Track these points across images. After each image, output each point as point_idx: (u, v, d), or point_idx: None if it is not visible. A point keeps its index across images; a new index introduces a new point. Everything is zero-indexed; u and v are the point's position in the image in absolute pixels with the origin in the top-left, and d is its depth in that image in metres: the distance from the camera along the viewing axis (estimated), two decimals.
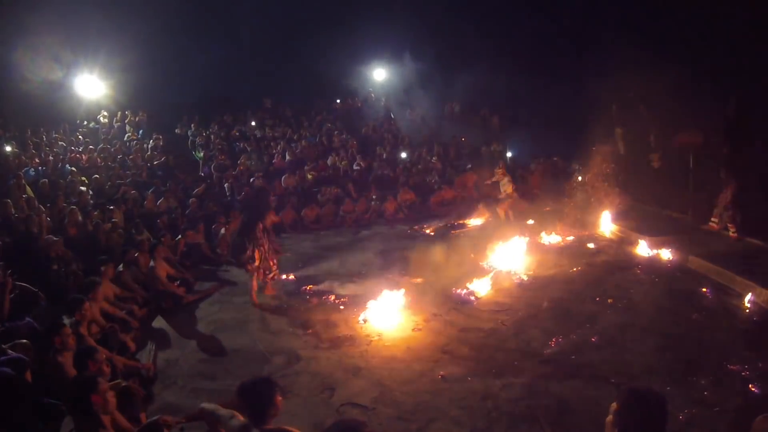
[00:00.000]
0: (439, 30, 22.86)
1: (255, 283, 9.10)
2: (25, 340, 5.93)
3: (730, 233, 11.13)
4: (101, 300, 7.69)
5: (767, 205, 11.04)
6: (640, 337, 6.94)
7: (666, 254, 10.47)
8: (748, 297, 8.01)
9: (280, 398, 3.51)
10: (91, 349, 5.32)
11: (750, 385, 5.67)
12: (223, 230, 12.57)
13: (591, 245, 11.81)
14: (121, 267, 9.15)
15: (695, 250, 10.28)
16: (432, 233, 13.94)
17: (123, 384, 5.29)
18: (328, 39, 24.76)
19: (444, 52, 23.14)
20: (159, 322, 8.50)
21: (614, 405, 2.60)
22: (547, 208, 15.74)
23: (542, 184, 17.30)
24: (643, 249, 11.02)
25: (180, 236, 11.78)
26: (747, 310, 7.77)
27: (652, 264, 10.22)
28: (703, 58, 13.60)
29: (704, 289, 8.66)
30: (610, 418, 2.58)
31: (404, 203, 16.15)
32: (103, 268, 8.38)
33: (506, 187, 14.78)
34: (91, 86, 22.63)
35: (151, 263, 9.46)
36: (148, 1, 22.19)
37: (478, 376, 6.10)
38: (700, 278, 9.26)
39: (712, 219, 11.76)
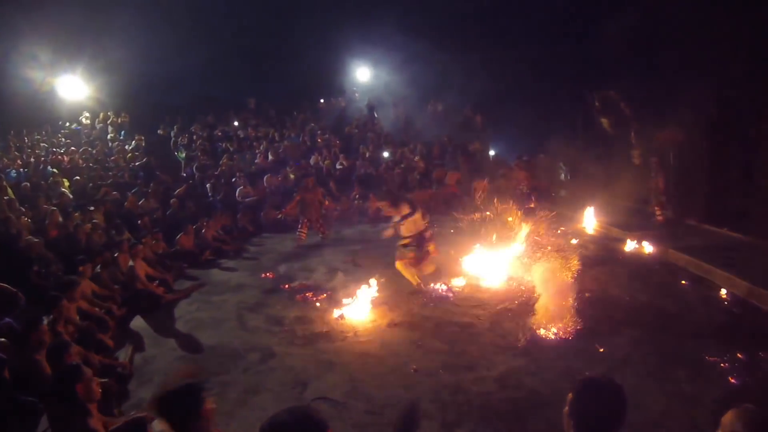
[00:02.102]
0: (422, 28, 22.84)
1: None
2: (2, 339, 5.93)
3: (657, 216, 12.36)
4: (79, 299, 7.70)
5: (747, 199, 11.19)
6: (616, 330, 6.99)
7: (646, 248, 10.59)
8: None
9: (209, 407, 3.12)
10: (64, 343, 5.32)
11: (729, 377, 5.72)
12: (203, 231, 12.56)
13: (573, 241, 11.86)
14: (99, 267, 9.13)
15: (674, 244, 10.41)
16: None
17: (98, 381, 5.29)
18: (312, 39, 24.76)
19: (428, 51, 23.14)
20: (137, 322, 8.48)
21: (570, 395, 2.53)
22: (531, 205, 15.85)
23: (526, 182, 17.38)
24: (622, 244, 11.13)
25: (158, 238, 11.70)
26: (725, 302, 7.86)
27: (632, 258, 10.35)
28: (683, 54, 13.66)
29: (683, 282, 8.74)
30: (566, 409, 2.51)
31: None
32: (81, 268, 8.41)
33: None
34: (73, 87, 22.52)
35: (130, 263, 9.45)
36: (130, 1, 22.11)
37: (450, 370, 6.15)
38: (678, 271, 9.39)
39: (654, 207, 12.75)
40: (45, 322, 5.98)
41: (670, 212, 12.64)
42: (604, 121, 16.12)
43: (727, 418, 2.75)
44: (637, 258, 10.38)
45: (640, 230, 11.68)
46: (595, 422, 2.41)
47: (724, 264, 9.05)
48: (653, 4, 13.76)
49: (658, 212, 12.63)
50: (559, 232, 12.50)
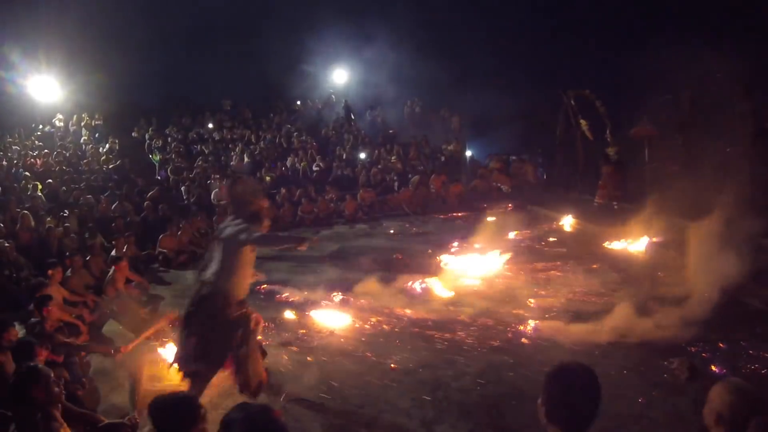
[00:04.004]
0: (399, 30, 22.85)
1: None
2: None
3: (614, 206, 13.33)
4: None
5: (723, 195, 11.28)
6: (597, 323, 6.96)
7: (623, 244, 10.64)
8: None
9: (202, 426, 2.95)
10: (30, 342, 5.17)
11: (711, 366, 5.72)
12: (180, 233, 12.40)
13: (551, 239, 11.93)
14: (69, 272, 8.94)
15: (652, 238, 10.49)
16: (392, 231, 13.97)
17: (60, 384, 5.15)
18: (288, 40, 24.65)
19: (405, 52, 23.14)
20: (111, 326, 8.31)
21: (543, 389, 2.46)
22: (509, 206, 15.92)
23: (502, 181, 17.46)
24: (598, 238, 11.19)
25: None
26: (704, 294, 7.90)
27: (610, 253, 10.38)
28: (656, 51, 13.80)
29: (659, 274, 8.78)
30: (539, 402, 2.45)
31: (364, 202, 16.12)
32: (50, 272, 8.22)
33: None
34: (46, 89, 22.15)
35: (111, 273, 9.18)
36: (103, 1, 21.81)
37: (429, 368, 6.10)
38: (656, 265, 9.42)
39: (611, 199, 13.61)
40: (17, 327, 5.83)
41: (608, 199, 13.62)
42: (583, 123, 16.23)
43: (715, 391, 2.82)
44: (615, 254, 10.42)
45: (616, 226, 11.74)
46: (568, 407, 2.35)
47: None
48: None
49: (598, 200, 13.77)
50: (537, 229, 12.65)
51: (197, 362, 4.94)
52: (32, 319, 6.49)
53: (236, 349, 5.00)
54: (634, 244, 10.55)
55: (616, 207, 13.51)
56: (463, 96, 21.50)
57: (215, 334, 4.93)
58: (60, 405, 4.14)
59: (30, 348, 5.06)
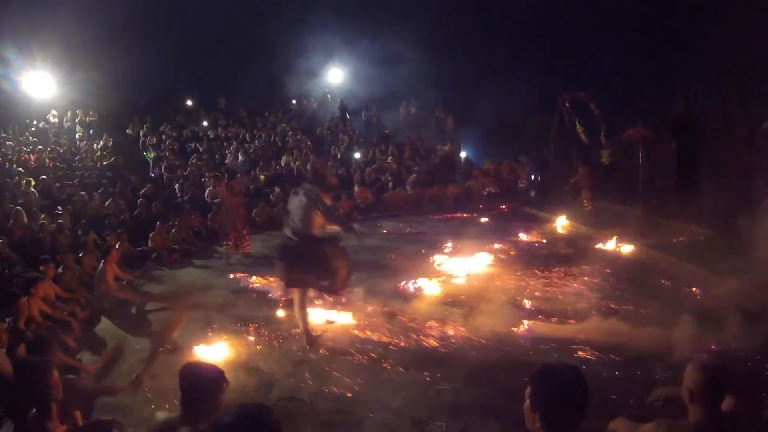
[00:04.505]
0: (395, 30, 22.86)
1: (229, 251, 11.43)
2: None
3: (587, 207, 13.87)
4: (40, 300, 7.50)
5: (717, 197, 11.34)
6: (588, 324, 6.97)
7: (617, 245, 10.68)
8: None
9: (221, 397, 3.09)
10: (47, 337, 5.14)
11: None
12: (173, 231, 12.38)
13: (545, 240, 11.97)
14: (60, 268, 8.91)
15: (644, 240, 10.52)
16: (386, 232, 13.96)
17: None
18: (284, 39, 24.64)
19: (400, 53, 23.16)
20: (104, 323, 8.30)
21: (528, 389, 2.44)
22: (503, 207, 15.98)
23: (497, 183, 17.51)
24: (592, 241, 11.23)
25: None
26: (697, 297, 7.94)
27: (603, 255, 10.41)
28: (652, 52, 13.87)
29: (655, 278, 8.81)
30: (527, 403, 2.42)
31: (363, 202, 16.15)
32: (42, 268, 8.20)
33: None
34: (41, 85, 22.06)
35: (101, 265, 9.19)
36: None
37: (421, 367, 6.09)
38: (650, 268, 9.49)
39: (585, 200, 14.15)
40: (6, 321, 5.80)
41: (598, 202, 14.06)
42: (578, 127, 16.29)
43: (688, 369, 2.99)
44: (609, 256, 10.44)
45: (611, 228, 11.78)
46: (560, 409, 2.33)
47: (692, 258, 9.21)
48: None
49: (586, 203, 13.98)
50: (530, 230, 12.68)
51: (295, 274, 6.75)
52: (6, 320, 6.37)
53: (324, 263, 6.66)
54: (627, 246, 10.60)
55: (589, 207, 14.01)
56: (459, 97, 21.55)
57: (303, 255, 6.66)
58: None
59: (46, 342, 5.03)
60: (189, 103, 25.48)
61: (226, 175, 12.16)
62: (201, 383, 3.06)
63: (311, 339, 6.86)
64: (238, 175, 16.19)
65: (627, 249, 10.54)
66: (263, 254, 11.96)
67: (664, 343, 6.20)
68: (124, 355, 7.04)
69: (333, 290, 7.05)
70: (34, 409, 3.85)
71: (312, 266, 6.67)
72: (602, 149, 15.12)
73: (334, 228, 7.12)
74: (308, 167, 7.86)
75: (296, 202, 6.79)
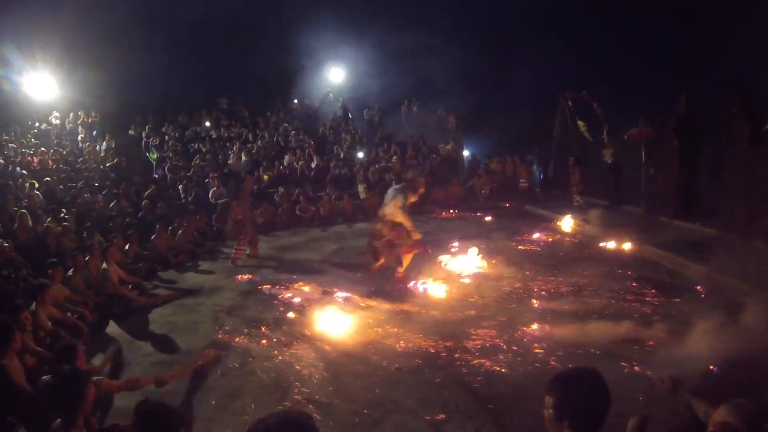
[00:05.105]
0: (397, 30, 22.87)
1: (240, 252, 11.39)
2: None
3: (580, 204, 14.82)
4: (50, 304, 7.50)
5: (719, 197, 11.39)
6: (596, 323, 7.01)
7: (621, 244, 10.74)
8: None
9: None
10: (71, 344, 5.13)
11: (710, 366, 5.75)
12: (180, 232, 12.40)
13: (549, 239, 12.02)
14: (71, 271, 8.91)
15: (648, 239, 10.58)
16: None
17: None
18: (285, 38, 24.62)
19: (402, 52, 23.17)
20: (111, 327, 8.31)
21: (548, 398, 2.41)
22: (506, 206, 16.04)
23: (486, 184, 17.60)
24: (596, 240, 11.29)
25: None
26: (701, 295, 7.99)
27: (607, 254, 10.47)
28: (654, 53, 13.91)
29: (660, 276, 8.88)
30: (549, 413, 2.40)
31: (367, 205, 16.20)
32: (50, 272, 8.17)
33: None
34: (42, 86, 22.02)
35: (103, 266, 9.25)
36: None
37: (434, 368, 6.11)
38: (653, 266, 9.61)
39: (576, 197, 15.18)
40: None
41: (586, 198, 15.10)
42: (581, 125, 16.34)
43: (719, 412, 2.73)
44: (613, 254, 10.50)
45: (614, 227, 11.85)
46: (590, 414, 2.35)
47: (696, 258, 9.30)
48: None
49: (578, 199, 14.96)
50: (535, 229, 12.73)
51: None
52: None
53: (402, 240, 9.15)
54: (631, 244, 10.65)
55: (578, 203, 14.90)
56: (461, 96, 21.56)
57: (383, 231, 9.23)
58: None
59: (73, 350, 5.02)
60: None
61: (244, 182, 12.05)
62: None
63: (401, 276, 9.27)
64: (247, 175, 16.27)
65: (630, 247, 10.60)
66: (269, 255, 12.01)
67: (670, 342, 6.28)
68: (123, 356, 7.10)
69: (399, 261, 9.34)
70: (59, 420, 3.85)
71: (388, 241, 9.20)
72: (605, 148, 15.18)
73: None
74: (409, 175, 10.08)
75: (390, 192, 9.30)
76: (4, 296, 8.58)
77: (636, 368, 5.77)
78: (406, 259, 9.28)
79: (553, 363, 6.05)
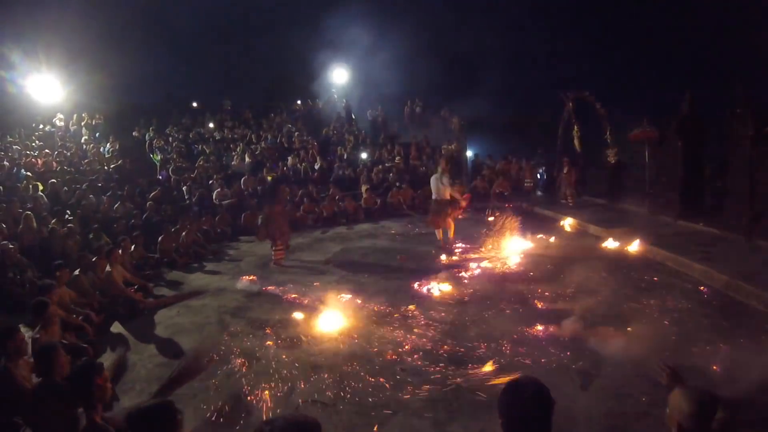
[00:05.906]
0: (400, 30, 22.90)
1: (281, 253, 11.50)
2: None
3: (569, 203, 15.64)
4: (56, 305, 7.51)
5: (723, 197, 11.39)
6: (599, 325, 7.02)
7: (625, 245, 10.74)
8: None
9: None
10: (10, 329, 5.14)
11: (713, 366, 5.77)
12: (184, 233, 12.43)
13: (552, 240, 12.02)
14: (77, 272, 8.93)
15: (651, 239, 10.59)
16: (393, 232, 14.03)
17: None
18: (289, 40, 24.69)
19: (406, 53, 23.19)
20: (117, 328, 8.32)
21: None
22: (509, 206, 16.02)
23: (503, 183, 17.58)
24: (600, 240, 11.29)
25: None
26: (705, 295, 7.99)
27: (611, 254, 10.47)
28: (658, 53, 13.91)
29: (664, 276, 8.88)
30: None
31: (369, 206, 16.23)
32: (57, 273, 8.20)
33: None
34: (46, 88, 22.08)
35: (108, 268, 9.27)
36: (103, 2, 21.81)
37: (439, 368, 6.12)
38: (656, 266, 9.65)
39: (566, 196, 15.93)
40: (23, 331, 5.77)
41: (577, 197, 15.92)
42: (575, 131, 16.48)
43: (675, 400, 2.83)
44: (617, 255, 10.51)
45: (617, 227, 11.86)
46: (520, 423, 2.41)
47: (700, 258, 9.29)
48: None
49: (569, 198, 15.83)
50: (538, 230, 12.73)
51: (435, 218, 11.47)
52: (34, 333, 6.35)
53: (448, 214, 11.24)
54: (634, 245, 10.66)
55: (570, 203, 15.45)
56: (464, 96, 21.57)
57: (437, 209, 11.32)
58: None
59: (83, 351, 5.03)
60: (195, 104, 25.49)
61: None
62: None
63: (445, 246, 11.37)
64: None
65: (634, 248, 10.61)
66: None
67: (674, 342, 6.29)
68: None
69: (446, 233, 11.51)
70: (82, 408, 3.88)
71: (442, 214, 11.24)
72: (608, 148, 15.19)
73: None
74: (441, 163, 11.54)
75: (433, 181, 11.36)
76: (11, 298, 8.64)
77: (640, 369, 5.78)
78: (451, 228, 11.47)
79: (556, 364, 6.07)
